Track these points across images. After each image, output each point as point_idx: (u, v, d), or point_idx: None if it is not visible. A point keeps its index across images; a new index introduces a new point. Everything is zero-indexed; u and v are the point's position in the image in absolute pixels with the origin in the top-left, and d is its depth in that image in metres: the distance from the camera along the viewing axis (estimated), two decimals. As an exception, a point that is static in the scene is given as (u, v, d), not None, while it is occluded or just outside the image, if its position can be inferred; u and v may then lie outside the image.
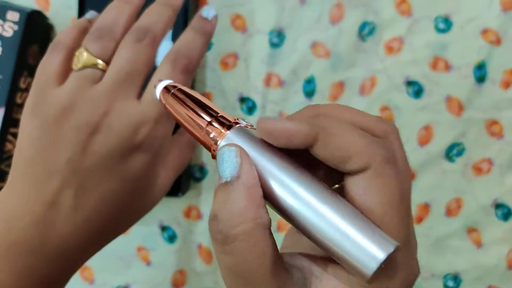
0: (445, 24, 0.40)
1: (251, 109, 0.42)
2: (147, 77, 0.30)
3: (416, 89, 0.40)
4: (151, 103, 0.28)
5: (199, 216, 0.42)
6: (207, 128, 0.21)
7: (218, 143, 0.20)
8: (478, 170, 0.40)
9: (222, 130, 0.20)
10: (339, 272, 0.18)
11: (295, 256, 0.19)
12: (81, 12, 0.39)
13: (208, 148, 0.21)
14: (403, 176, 0.18)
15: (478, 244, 0.41)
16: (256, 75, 0.41)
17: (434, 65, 0.40)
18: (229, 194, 0.17)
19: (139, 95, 0.29)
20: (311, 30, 0.41)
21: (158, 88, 0.24)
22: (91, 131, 0.27)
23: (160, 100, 0.24)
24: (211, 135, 0.20)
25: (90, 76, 0.28)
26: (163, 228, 0.43)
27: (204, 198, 0.42)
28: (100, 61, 0.29)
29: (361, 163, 0.18)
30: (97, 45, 0.29)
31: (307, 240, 0.19)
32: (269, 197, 0.19)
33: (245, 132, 0.20)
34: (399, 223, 0.18)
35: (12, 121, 0.38)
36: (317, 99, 0.41)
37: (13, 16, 0.37)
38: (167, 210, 0.42)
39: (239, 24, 0.41)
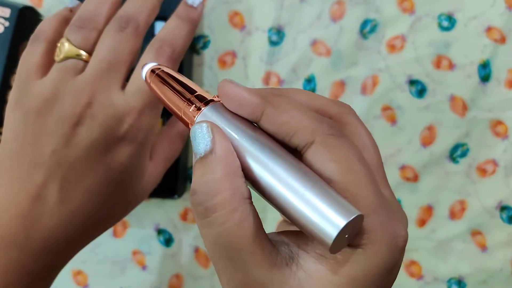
0: (448, 22, 0.39)
1: (249, 108, 0.40)
2: (131, 67, 0.29)
3: (419, 88, 0.39)
4: (136, 93, 0.28)
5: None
6: (186, 106, 0.21)
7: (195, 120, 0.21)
8: (482, 171, 0.39)
9: (200, 107, 0.21)
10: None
11: (281, 234, 0.20)
12: None
13: (188, 126, 0.21)
14: (364, 150, 0.19)
15: (483, 248, 0.40)
16: (255, 74, 0.40)
17: (437, 64, 0.39)
18: (205, 168, 0.18)
19: (123, 86, 0.28)
20: (311, 28, 0.40)
21: (144, 69, 0.24)
22: (74, 122, 0.26)
23: (145, 80, 0.23)
24: (190, 112, 0.21)
25: (72, 67, 0.28)
26: (159, 231, 0.41)
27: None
28: (82, 52, 0.28)
29: (304, 138, 0.18)
30: (79, 35, 0.28)
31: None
32: (244, 170, 0.19)
33: (221, 108, 0.20)
34: (365, 189, 0.18)
35: (3, 119, 0.37)
36: (317, 99, 0.40)
37: (4, 12, 0.36)
38: (163, 212, 0.41)
39: (237, 21, 0.40)
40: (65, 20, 0.30)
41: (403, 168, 0.40)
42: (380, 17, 0.39)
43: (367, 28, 0.39)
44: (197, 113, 0.20)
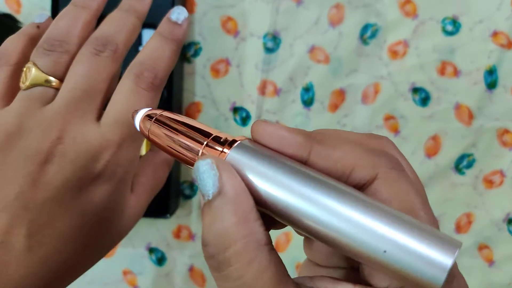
0: (453, 26, 0.37)
1: (245, 119, 0.38)
2: (108, 96, 0.26)
3: (422, 96, 0.37)
4: (113, 124, 0.24)
5: (190, 236, 0.39)
6: (204, 152, 0.18)
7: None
8: (489, 182, 0.37)
9: (224, 150, 0.18)
10: None
11: (316, 279, 0.17)
12: (55, 15, 0.35)
13: None
14: (416, 183, 0.17)
15: (490, 262, 0.38)
16: (250, 82, 0.38)
17: (441, 70, 0.37)
18: (213, 214, 0.16)
19: (99, 117, 0.25)
20: (308, 33, 0.38)
21: (136, 118, 0.21)
22: (42, 160, 0.23)
23: (140, 131, 0.21)
24: None
25: (40, 95, 0.24)
26: (151, 250, 0.39)
27: (195, 216, 0.39)
28: (51, 78, 0.25)
29: (365, 173, 0.17)
30: (48, 59, 0.25)
31: (327, 270, 0.18)
32: (284, 211, 0.16)
33: (251, 147, 0.18)
34: (433, 223, 0.16)
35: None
36: (316, 108, 0.38)
37: (-22, 20, 0.33)
38: (155, 230, 0.39)
39: (230, 27, 0.38)
40: (32, 39, 0.27)
41: (406, 180, 0.38)
42: (381, 22, 0.37)
43: (368, 33, 0.37)
44: (223, 156, 0.18)
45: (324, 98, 0.38)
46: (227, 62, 0.38)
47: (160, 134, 0.20)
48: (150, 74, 0.25)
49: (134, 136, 0.25)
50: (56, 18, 0.26)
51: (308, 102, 0.38)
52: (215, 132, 0.19)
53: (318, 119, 0.38)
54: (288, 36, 0.38)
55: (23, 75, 0.25)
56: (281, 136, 0.17)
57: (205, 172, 0.17)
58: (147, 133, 0.20)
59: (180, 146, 0.19)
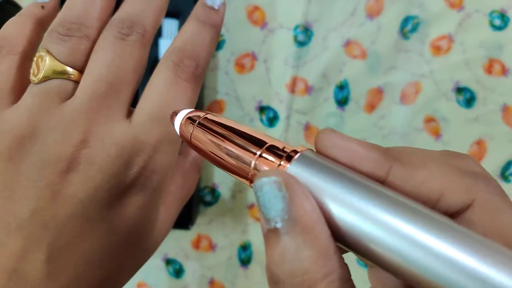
0: (501, 20, 0.34)
1: (272, 120, 0.35)
2: (138, 87, 0.22)
3: (467, 96, 0.34)
4: (147, 123, 0.21)
5: (210, 246, 0.36)
6: (257, 163, 0.16)
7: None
8: (536, 191, 0.35)
9: (282, 163, 0.15)
10: None
11: None
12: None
13: None
14: None
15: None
16: (279, 79, 0.35)
17: (488, 69, 0.34)
18: (285, 245, 0.13)
19: (129, 114, 0.21)
20: (344, 26, 0.34)
21: (176, 121, 0.18)
22: (64, 168, 0.19)
23: (181, 135, 0.18)
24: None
25: (56, 90, 0.21)
26: (168, 262, 0.36)
27: (216, 226, 0.36)
28: (69, 69, 0.21)
29: (459, 199, 0.14)
30: (65, 46, 0.21)
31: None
32: (359, 240, 0.14)
33: (314, 159, 0.15)
34: None
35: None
36: (351, 108, 0.35)
37: (-23, 6, 0.30)
38: (172, 240, 0.36)
39: (257, 17, 0.34)
40: (38, 22, 0.23)
41: (447, 187, 0.35)
42: (423, 14, 0.34)
43: (409, 27, 0.34)
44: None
45: (359, 97, 0.35)
46: (253, 57, 0.35)
47: (204, 140, 0.17)
48: (192, 62, 0.22)
49: (172, 137, 0.21)
50: None
51: (342, 102, 0.35)
52: (270, 141, 0.16)
53: (353, 120, 0.35)
54: (321, 29, 0.34)
55: (33, 65, 0.21)
56: (354, 151, 0.15)
57: (271, 192, 0.14)
58: (189, 138, 0.17)
59: (228, 155, 0.16)
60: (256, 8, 0.34)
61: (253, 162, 0.16)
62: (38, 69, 0.21)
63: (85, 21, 0.22)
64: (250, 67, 0.35)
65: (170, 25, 0.33)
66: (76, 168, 0.19)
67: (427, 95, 0.34)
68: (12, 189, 0.19)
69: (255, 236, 0.36)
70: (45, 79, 0.21)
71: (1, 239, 0.19)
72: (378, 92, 0.35)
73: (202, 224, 0.36)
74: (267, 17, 0.34)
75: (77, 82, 0.21)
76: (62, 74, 0.21)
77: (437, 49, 0.34)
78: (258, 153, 0.16)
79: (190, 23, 0.23)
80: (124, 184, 0.20)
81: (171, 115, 0.18)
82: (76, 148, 0.20)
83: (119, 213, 0.20)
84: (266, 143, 0.16)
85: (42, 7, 0.24)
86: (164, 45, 0.32)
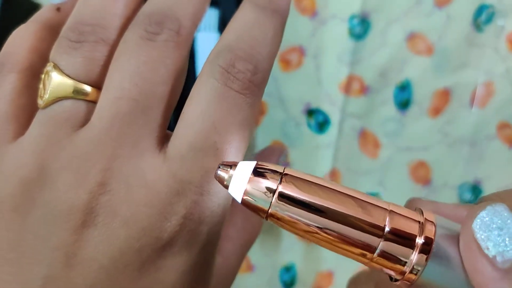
0: None
1: (322, 125, 0.31)
2: (175, 104, 0.17)
3: (548, 99, 0.30)
4: (190, 156, 0.16)
5: (249, 267, 0.32)
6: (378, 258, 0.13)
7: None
8: None
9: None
10: None
11: None
12: None
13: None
14: None
15: None
16: (330, 78, 0.30)
17: None
18: None
19: (163, 142, 0.16)
20: (407, 16, 0.30)
21: (234, 184, 0.14)
22: (78, 222, 0.15)
23: (247, 205, 0.14)
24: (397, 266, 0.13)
25: (67, 115, 0.16)
26: None
27: (255, 244, 0.31)
28: (84, 86, 0.16)
29: None
30: (75, 56, 0.16)
31: None
32: None
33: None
34: None
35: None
36: (413, 112, 0.30)
37: (-19, -8, 0.25)
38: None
39: (306, 5, 0.30)
40: (51, 29, 0.18)
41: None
42: (499, 3, 0.29)
43: (482, 17, 0.30)
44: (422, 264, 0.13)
45: (423, 100, 0.30)
46: (300, 51, 0.30)
47: (294, 217, 0.13)
48: (248, 65, 0.16)
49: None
50: None
51: (403, 104, 0.30)
52: (385, 207, 0.13)
53: (415, 125, 0.30)
54: (380, 20, 0.30)
55: (41, 85, 0.16)
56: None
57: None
58: (266, 212, 0.14)
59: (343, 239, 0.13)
60: (305, -6, 0.30)
61: (377, 250, 0.13)
62: (45, 89, 0.16)
63: (102, 21, 0.17)
64: (297, 63, 0.30)
65: (207, 15, 0.28)
66: (93, 221, 0.15)
67: (501, 98, 0.30)
68: (19, 250, 0.15)
69: (299, 257, 0.32)
70: (53, 101, 0.16)
71: None
72: (445, 94, 0.30)
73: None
74: (318, 5, 0.30)
75: (94, 102, 0.16)
76: (75, 94, 0.16)
77: (515, 44, 0.30)
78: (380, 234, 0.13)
79: (245, 10, 0.18)
80: (161, 241, 0.15)
81: (219, 168, 0.14)
82: (93, 194, 0.15)
83: (156, 279, 0.15)
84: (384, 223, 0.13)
85: (58, 9, 0.19)
86: (202, 40, 0.27)
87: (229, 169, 0.14)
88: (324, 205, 0.13)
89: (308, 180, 0.13)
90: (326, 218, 0.13)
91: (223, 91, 0.16)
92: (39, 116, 0.16)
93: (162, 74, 0.16)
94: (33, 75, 0.17)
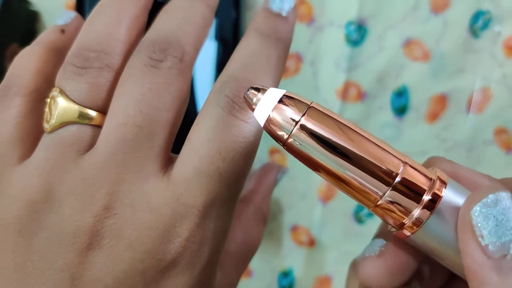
0: None
1: (319, 131, 0.31)
2: (177, 129, 0.17)
3: (545, 105, 0.30)
4: (193, 180, 0.16)
5: (247, 272, 0.32)
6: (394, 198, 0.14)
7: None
8: None
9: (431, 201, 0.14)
10: None
11: None
12: (81, 11, 0.27)
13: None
14: None
15: None
16: (328, 84, 0.30)
17: None
18: None
19: (167, 166, 0.17)
20: (404, 22, 0.30)
21: (261, 106, 0.14)
22: (84, 245, 0.15)
23: (269, 131, 0.14)
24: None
25: (73, 140, 0.16)
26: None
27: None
28: (89, 111, 0.17)
29: None
30: (81, 82, 0.17)
31: None
32: None
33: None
34: None
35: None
36: (410, 118, 0.30)
37: (-21, 2, 0.25)
38: None
39: (303, 12, 0.30)
40: (56, 52, 0.18)
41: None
42: (496, 9, 0.29)
43: (479, 23, 0.29)
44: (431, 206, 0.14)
45: (420, 105, 0.30)
46: (298, 58, 0.30)
47: (313, 147, 0.14)
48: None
49: (227, 192, 0.16)
50: (90, 16, 0.18)
51: (400, 110, 0.30)
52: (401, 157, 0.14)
53: (412, 131, 0.30)
54: (377, 26, 0.30)
55: (46, 109, 0.17)
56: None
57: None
58: (284, 139, 0.14)
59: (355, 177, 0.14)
60: (302, 1, 0.30)
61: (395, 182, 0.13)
62: (51, 114, 0.16)
63: (107, 47, 0.17)
64: (294, 70, 0.30)
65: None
66: (99, 244, 0.15)
67: (498, 103, 0.30)
68: (26, 271, 0.15)
69: (298, 262, 0.32)
70: (59, 126, 0.16)
71: None
72: (442, 100, 0.30)
73: None
74: (315, 12, 0.30)
75: (99, 127, 0.16)
76: (80, 118, 0.16)
77: (511, 50, 0.30)
78: (399, 170, 0.13)
79: (250, 38, 0.18)
80: (164, 263, 0.16)
81: (248, 90, 0.14)
82: (98, 217, 0.15)
83: None
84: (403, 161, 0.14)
85: (63, 31, 0.19)
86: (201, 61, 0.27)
87: (257, 93, 0.14)
88: (342, 143, 0.13)
89: (332, 117, 0.14)
90: (341, 158, 0.13)
91: (228, 120, 0.16)
92: (45, 140, 0.16)
93: (166, 101, 0.16)
94: (39, 98, 0.17)
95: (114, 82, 0.17)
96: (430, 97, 0.30)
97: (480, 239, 0.13)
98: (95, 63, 0.16)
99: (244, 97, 0.15)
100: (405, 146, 0.31)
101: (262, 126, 0.14)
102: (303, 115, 0.13)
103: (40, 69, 0.18)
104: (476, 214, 0.13)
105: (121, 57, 0.17)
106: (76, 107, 0.16)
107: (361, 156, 0.13)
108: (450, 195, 0.14)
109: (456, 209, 0.14)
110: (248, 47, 0.17)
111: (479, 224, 0.13)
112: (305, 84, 0.30)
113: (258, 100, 0.14)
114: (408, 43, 0.30)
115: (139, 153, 0.16)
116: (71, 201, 0.15)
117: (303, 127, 0.13)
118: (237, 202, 0.17)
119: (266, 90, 0.14)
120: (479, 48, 0.30)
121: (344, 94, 0.30)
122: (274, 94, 0.14)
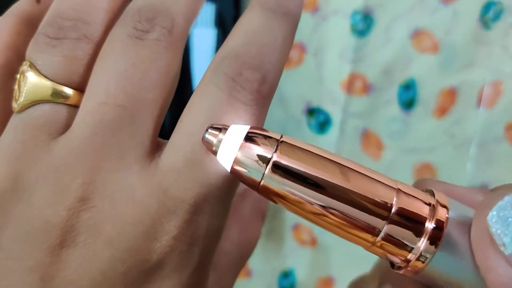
0: None
1: (323, 125, 0.29)
2: (166, 110, 0.15)
3: (559, 100, 0.29)
4: (183, 169, 0.14)
5: (246, 272, 0.31)
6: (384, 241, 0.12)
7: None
8: None
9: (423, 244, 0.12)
10: None
11: None
12: None
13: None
14: None
15: None
16: (332, 76, 0.29)
17: None
18: None
19: (154, 153, 0.15)
20: (412, 12, 0.29)
21: (223, 148, 0.13)
22: (56, 242, 0.14)
23: (237, 175, 0.13)
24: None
25: (43, 120, 0.14)
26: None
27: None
28: (63, 88, 0.15)
29: None
30: (54, 54, 0.15)
31: None
32: None
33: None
34: None
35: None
36: (417, 112, 0.29)
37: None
38: None
39: (307, 0, 0.29)
40: (29, 23, 0.17)
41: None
42: (508, -1, 0.28)
43: (490, 14, 0.28)
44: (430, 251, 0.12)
45: (429, 99, 0.29)
46: (301, 48, 0.29)
47: (292, 187, 0.12)
48: (255, 74, 0.14)
49: (223, 185, 0.14)
50: None
51: (407, 104, 0.29)
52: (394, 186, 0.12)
53: (420, 126, 0.29)
54: (384, 16, 0.29)
55: (16, 86, 0.15)
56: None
57: None
58: (257, 183, 0.12)
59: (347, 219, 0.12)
60: (306, -11, 0.29)
61: (382, 231, 0.12)
62: (20, 92, 0.14)
63: (85, 15, 0.15)
64: (297, 60, 0.29)
65: (203, 10, 0.27)
66: (73, 241, 0.13)
67: (510, 98, 0.29)
68: None
69: (299, 262, 0.30)
70: (29, 105, 0.14)
71: None
72: (451, 93, 0.29)
73: None
74: (320, 0, 0.29)
75: (75, 107, 0.15)
76: (53, 97, 0.14)
77: (524, 42, 0.28)
78: (386, 215, 0.12)
79: (253, 13, 0.16)
80: (149, 263, 0.14)
81: (207, 131, 0.13)
82: (73, 211, 0.13)
83: None
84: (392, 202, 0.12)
85: (38, 0, 0.17)
86: (198, 36, 0.26)
87: (218, 133, 0.13)
88: (324, 179, 0.12)
89: (307, 150, 0.12)
90: (325, 195, 0.12)
91: (227, 101, 0.14)
92: (14, 120, 0.15)
93: (152, 77, 0.15)
94: (9, 75, 0.16)
95: (93, 56, 0.15)
96: (439, 91, 0.29)
97: (502, 248, 0.11)
98: (71, 33, 0.15)
99: (202, 139, 0.13)
100: (412, 141, 0.29)
101: (228, 170, 0.13)
102: (275, 151, 0.12)
103: (11, 42, 0.16)
104: (493, 220, 0.12)
105: (102, 27, 0.15)
106: (48, 83, 0.14)
107: (348, 189, 0.12)
108: (455, 218, 0.12)
109: (466, 228, 0.12)
110: (250, 22, 0.16)
111: (498, 231, 0.12)
112: (309, 76, 0.29)
113: (220, 141, 0.13)
114: (416, 34, 0.29)
115: (121, 137, 0.14)
116: (42, 192, 0.14)
117: (276, 165, 0.12)
118: (234, 197, 0.16)
119: (227, 128, 0.13)
120: (490, 40, 0.29)
121: (349, 86, 0.29)
122: (237, 131, 0.12)
